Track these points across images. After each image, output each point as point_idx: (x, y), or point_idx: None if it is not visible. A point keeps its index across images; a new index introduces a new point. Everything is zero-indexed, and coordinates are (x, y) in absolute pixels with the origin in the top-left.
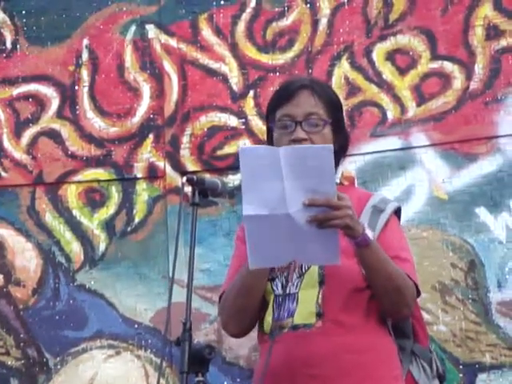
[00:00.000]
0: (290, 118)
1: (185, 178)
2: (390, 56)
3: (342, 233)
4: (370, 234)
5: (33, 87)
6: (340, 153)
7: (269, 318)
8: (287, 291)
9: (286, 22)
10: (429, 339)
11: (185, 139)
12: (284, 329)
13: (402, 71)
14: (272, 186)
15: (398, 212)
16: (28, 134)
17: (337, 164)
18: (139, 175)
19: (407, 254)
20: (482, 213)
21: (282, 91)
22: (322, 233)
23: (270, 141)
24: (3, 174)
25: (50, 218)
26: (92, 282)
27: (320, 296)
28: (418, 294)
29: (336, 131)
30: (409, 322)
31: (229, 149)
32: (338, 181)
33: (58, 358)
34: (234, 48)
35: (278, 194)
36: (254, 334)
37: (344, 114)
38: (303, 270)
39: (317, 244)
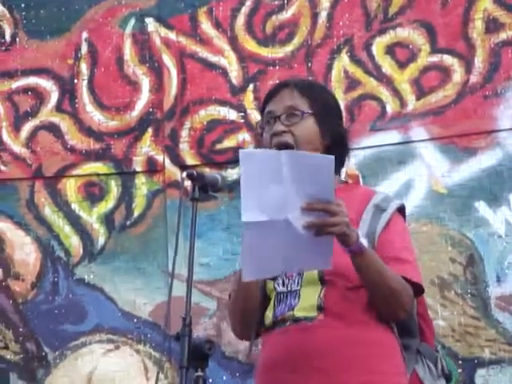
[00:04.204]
0: (271, 114)
1: (184, 174)
2: (390, 49)
3: (337, 240)
4: (364, 242)
5: (32, 80)
6: (336, 149)
7: (270, 313)
8: (288, 288)
9: (285, 15)
10: (435, 338)
11: (184, 133)
12: (286, 322)
13: (402, 65)
14: (272, 191)
15: (402, 210)
16: (27, 128)
17: (337, 161)
18: (138, 169)
19: (408, 255)
20: (482, 207)
21: (267, 93)
22: (317, 239)
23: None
24: (2, 167)
25: (49, 212)
26: (91, 276)
27: (322, 292)
28: (422, 291)
29: (323, 125)
30: (415, 321)
31: (228, 142)
32: (342, 179)
33: (57, 352)
34: (233, 41)
35: (278, 199)
36: None
37: (339, 111)
38: None
39: (311, 250)
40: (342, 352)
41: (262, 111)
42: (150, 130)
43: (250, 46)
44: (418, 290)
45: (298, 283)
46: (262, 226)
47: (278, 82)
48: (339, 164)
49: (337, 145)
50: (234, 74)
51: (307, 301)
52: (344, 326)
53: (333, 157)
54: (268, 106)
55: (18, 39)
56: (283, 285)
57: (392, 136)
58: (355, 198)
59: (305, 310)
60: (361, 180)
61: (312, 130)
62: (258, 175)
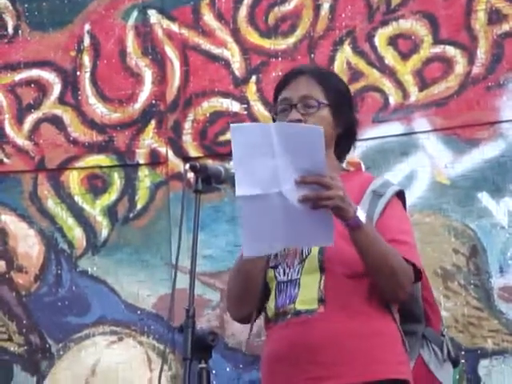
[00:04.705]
0: (287, 101)
1: (188, 166)
2: (392, 41)
3: (333, 214)
4: (362, 216)
5: (34, 73)
6: (346, 138)
7: (272, 305)
8: (289, 277)
9: (288, 6)
10: (442, 323)
11: (187, 125)
12: (287, 315)
13: (404, 56)
14: (264, 164)
15: (400, 195)
16: (30, 120)
17: (344, 149)
18: (141, 161)
19: (406, 237)
20: (485, 198)
21: (281, 79)
22: (315, 213)
23: None
24: (5, 160)
25: (52, 204)
26: (94, 268)
27: (322, 282)
28: (421, 276)
29: (337, 115)
30: (420, 306)
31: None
32: (344, 166)
33: (61, 345)
34: (235, 33)
35: (270, 172)
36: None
37: (351, 100)
38: (304, 256)
39: (310, 225)
40: (343, 345)
41: (275, 96)
42: (152, 122)
43: (253, 37)
44: (417, 272)
45: (298, 272)
46: (257, 199)
47: (292, 68)
48: (345, 152)
49: (347, 133)
50: (237, 65)
51: (307, 291)
52: (345, 319)
53: (321, 127)
54: (283, 93)
55: (20, 31)
56: (284, 274)
57: (395, 127)
58: (355, 185)
59: (306, 302)
60: (363, 167)
61: (326, 120)
62: (250, 148)
